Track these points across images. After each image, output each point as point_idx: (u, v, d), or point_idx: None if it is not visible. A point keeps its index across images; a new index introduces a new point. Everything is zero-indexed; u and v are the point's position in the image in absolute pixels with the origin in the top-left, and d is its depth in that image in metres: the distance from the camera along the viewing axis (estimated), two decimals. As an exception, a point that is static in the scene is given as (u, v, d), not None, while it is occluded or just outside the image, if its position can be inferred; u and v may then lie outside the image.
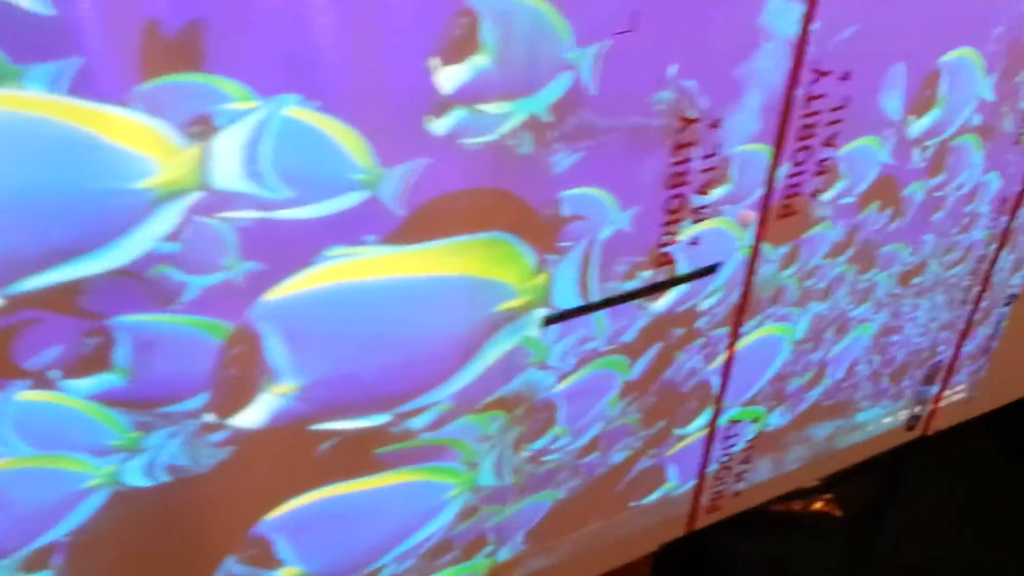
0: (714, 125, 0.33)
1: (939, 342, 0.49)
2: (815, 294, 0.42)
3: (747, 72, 0.32)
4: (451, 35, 0.27)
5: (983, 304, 0.49)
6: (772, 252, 0.39)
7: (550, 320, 0.35)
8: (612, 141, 0.32)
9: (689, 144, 0.33)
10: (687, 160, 0.34)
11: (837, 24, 0.33)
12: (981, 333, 0.51)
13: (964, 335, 0.50)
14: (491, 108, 0.29)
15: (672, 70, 0.31)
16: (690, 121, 0.33)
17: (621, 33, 0.29)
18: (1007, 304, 0.50)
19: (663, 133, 0.32)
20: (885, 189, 0.40)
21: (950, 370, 0.51)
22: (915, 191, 0.40)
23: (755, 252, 0.38)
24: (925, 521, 0.55)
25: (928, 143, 0.39)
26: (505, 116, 0.29)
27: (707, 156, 0.34)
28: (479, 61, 0.28)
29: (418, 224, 0.30)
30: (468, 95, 0.28)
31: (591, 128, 0.31)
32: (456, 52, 0.27)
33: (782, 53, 0.33)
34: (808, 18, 0.32)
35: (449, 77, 0.27)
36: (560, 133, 0.31)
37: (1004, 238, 0.46)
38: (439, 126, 0.28)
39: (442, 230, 0.31)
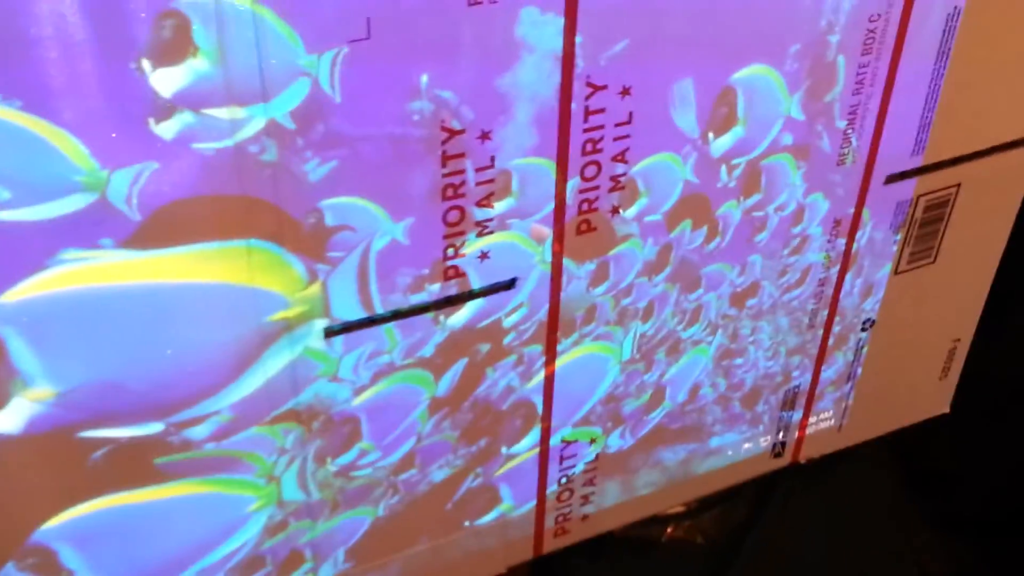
0: (484, 137, 0.33)
1: (791, 367, 0.49)
2: (635, 313, 0.41)
3: (510, 84, 0.32)
4: (159, 37, 0.27)
5: (835, 329, 0.48)
6: (577, 269, 0.38)
7: (331, 332, 0.35)
8: (369, 150, 0.32)
9: (459, 155, 0.33)
10: (460, 172, 0.34)
11: (604, 38, 0.33)
12: (841, 359, 0.50)
13: (820, 360, 0.49)
14: (221, 113, 0.29)
15: (424, 80, 0.31)
16: (455, 132, 0.33)
17: (356, 41, 0.29)
18: (864, 329, 0.49)
19: (427, 144, 0.32)
20: (695, 207, 0.39)
21: (811, 396, 0.51)
22: (730, 211, 0.40)
23: (557, 268, 0.38)
24: (789, 550, 0.55)
25: (736, 162, 0.39)
26: (240, 122, 0.29)
27: (482, 168, 0.34)
28: (198, 65, 0.28)
29: (158, 229, 0.30)
30: (192, 99, 0.28)
31: (341, 136, 0.31)
32: (168, 55, 0.27)
33: (549, 66, 0.33)
34: (570, 31, 0.32)
35: (165, 80, 0.28)
36: (307, 141, 0.31)
37: (845, 261, 0.46)
38: (165, 130, 0.28)
39: (187, 235, 0.31)
